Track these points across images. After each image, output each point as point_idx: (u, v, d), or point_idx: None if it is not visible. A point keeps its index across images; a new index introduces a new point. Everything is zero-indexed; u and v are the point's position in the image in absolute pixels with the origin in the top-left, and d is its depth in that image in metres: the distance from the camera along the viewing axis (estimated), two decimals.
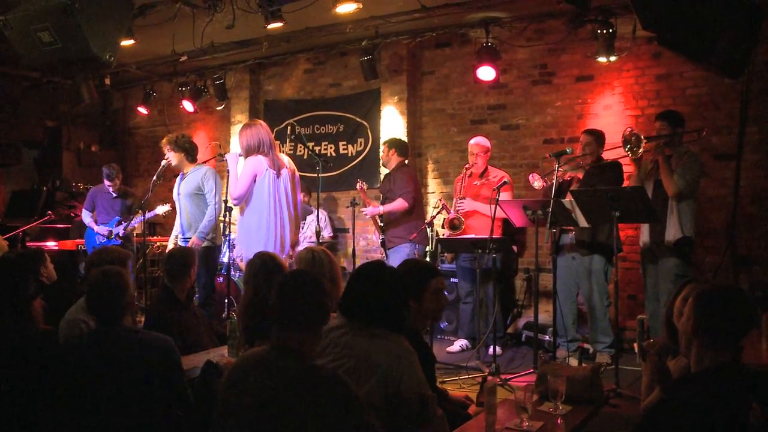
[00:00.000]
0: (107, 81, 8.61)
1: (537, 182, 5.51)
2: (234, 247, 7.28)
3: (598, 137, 5.53)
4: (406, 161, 6.46)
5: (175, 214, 6.30)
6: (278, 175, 5.03)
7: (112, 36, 4.70)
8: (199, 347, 3.83)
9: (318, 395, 2.11)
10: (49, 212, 7.85)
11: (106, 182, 7.16)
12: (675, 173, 4.89)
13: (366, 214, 6.45)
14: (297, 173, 5.28)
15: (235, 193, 5.01)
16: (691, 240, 4.95)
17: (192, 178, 6.05)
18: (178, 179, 6.26)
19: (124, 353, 2.78)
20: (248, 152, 5.03)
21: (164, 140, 6.17)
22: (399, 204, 6.14)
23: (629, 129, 4.87)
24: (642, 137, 4.76)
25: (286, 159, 5.20)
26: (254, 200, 4.99)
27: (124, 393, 2.70)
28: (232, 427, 2.19)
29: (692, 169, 4.92)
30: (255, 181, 4.97)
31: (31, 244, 7.71)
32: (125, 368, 2.74)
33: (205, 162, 6.89)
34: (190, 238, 5.95)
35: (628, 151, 4.80)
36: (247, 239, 5.02)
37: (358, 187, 6.70)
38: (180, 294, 4.00)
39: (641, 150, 4.76)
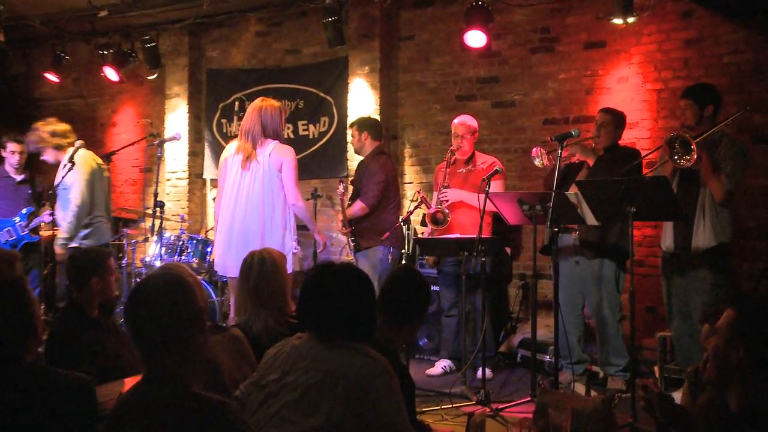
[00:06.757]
0: (0, 37, 8.26)
1: (538, 159, 5.37)
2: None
3: (617, 118, 5.51)
4: (382, 145, 6.43)
5: None
6: (245, 166, 5.09)
7: None
8: (118, 372, 3.70)
9: (198, 428, 2.13)
10: None
11: (9, 161, 6.88)
12: (722, 172, 4.78)
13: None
14: (285, 165, 5.13)
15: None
16: (728, 246, 4.91)
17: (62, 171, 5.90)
18: None
19: (26, 401, 2.45)
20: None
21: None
22: (357, 208, 6.11)
23: (669, 135, 4.72)
24: (690, 140, 4.56)
25: (270, 151, 5.10)
26: (219, 189, 5.35)
27: None
28: None
29: (740, 165, 4.83)
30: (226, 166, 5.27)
31: None
32: (27, 420, 2.43)
33: (132, 144, 6.82)
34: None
35: (678, 160, 4.67)
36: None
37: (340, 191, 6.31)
38: (88, 308, 3.86)
39: (694, 155, 4.54)
